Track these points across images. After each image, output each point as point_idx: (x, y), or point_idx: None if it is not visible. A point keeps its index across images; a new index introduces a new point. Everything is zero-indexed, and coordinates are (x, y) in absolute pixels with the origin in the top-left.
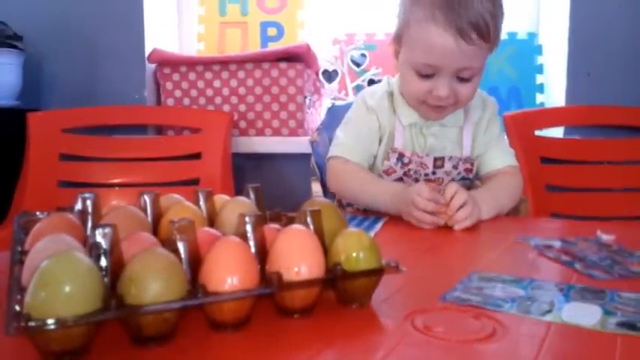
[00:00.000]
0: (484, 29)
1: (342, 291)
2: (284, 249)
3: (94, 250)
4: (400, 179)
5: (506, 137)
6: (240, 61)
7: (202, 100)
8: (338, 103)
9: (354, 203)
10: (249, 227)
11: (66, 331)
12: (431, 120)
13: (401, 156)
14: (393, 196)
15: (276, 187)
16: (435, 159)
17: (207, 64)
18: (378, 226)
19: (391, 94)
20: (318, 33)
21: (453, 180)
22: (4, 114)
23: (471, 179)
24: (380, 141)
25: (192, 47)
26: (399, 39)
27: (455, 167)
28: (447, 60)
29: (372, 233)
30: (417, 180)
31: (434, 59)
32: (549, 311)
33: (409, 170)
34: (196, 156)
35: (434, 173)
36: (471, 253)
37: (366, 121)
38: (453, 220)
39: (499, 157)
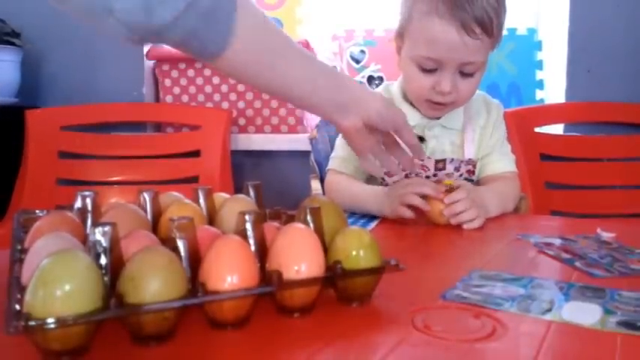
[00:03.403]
0: (488, 24)
1: (342, 289)
2: (284, 247)
3: (93, 249)
4: None
5: (508, 144)
6: None
7: (201, 97)
8: None
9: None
10: (248, 225)
11: (66, 330)
12: (431, 118)
13: None
14: (377, 197)
15: (276, 184)
16: (437, 161)
17: None
18: (373, 224)
19: (390, 102)
20: (316, 29)
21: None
22: (2, 111)
23: (474, 181)
24: None
25: None
26: (401, 34)
27: (457, 169)
28: (451, 54)
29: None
30: None
31: (437, 53)
32: (549, 310)
33: (410, 172)
34: (195, 153)
35: (435, 175)
36: (471, 251)
37: None
38: (453, 220)
39: (500, 161)
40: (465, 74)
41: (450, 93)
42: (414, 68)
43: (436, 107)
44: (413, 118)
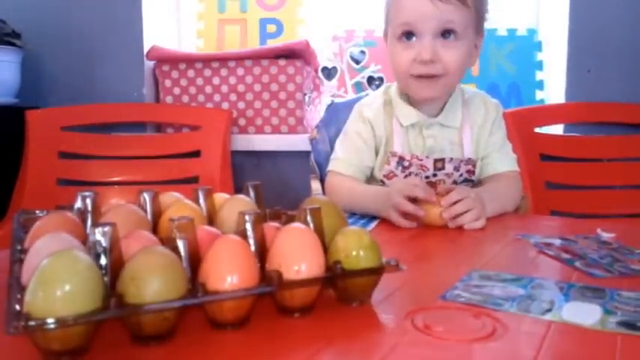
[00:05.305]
0: None
1: (342, 289)
2: (284, 247)
3: (93, 249)
4: None
5: (509, 143)
6: (239, 58)
7: (201, 98)
8: (337, 100)
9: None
10: (248, 225)
11: (66, 330)
12: (425, 97)
13: (401, 160)
14: (377, 199)
15: (276, 184)
16: (435, 160)
17: (206, 61)
18: (373, 224)
19: (389, 102)
20: (317, 30)
21: (455, 182)
22: (2, 112)
23: (474, 181)
24: (377, 151)
25: (191, 44)
26: (386, 21)
27: (456, 169)
28: (425, 17)
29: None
30: None
31: (412, 17)
32: (549, 310)
33: (410, 173)
34: (196, 154)
35: (435, 175)
36: (471, 252)
37: (362, 133)
38: (451, 223)
39: (502, 160)
40: (446, 41)
41: (433, 62)
42: (396, 43)
43: (424, 82)
44: (411, 116)
